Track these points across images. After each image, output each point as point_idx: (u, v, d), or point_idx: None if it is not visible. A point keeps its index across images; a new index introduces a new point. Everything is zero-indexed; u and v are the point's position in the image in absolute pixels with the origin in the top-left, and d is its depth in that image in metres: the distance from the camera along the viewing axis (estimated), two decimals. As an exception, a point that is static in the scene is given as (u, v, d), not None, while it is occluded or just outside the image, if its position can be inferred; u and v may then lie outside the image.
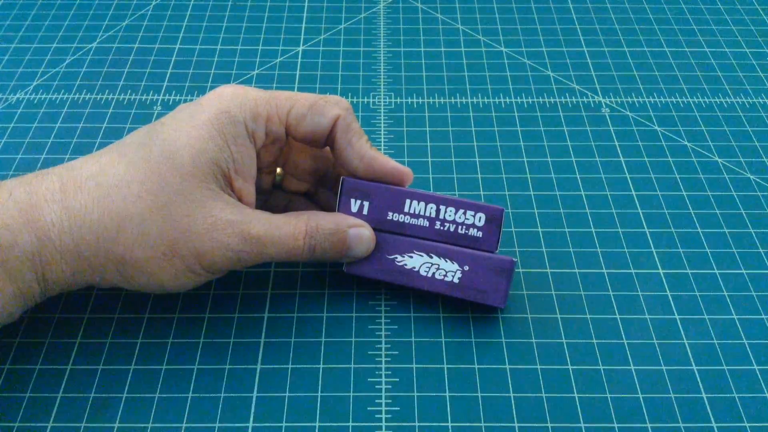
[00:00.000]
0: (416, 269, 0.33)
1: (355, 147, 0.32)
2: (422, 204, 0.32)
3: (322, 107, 0.31)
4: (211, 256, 0.30)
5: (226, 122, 0.30)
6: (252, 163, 0.31)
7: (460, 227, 0.32)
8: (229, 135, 0.30)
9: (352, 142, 0.32)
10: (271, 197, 0.36)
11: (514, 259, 0.32)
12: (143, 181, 0.29)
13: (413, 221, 0.32)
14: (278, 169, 0.35)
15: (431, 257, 0.32)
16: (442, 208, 0.32)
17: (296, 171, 0.35)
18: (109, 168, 0.29)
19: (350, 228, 0.32)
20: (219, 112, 0.30)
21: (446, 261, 0.32)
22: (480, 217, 0.32)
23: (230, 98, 0.30)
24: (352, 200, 0.33)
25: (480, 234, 0.32)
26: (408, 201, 0.32)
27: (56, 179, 0.29)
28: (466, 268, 0.32)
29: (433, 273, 0.33)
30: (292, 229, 0.31)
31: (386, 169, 0.32)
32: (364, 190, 0.33)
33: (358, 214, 0.33)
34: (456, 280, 0.32)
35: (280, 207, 0.36)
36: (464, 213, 0.32)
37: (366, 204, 0.33)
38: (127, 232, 0.29)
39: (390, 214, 0.33)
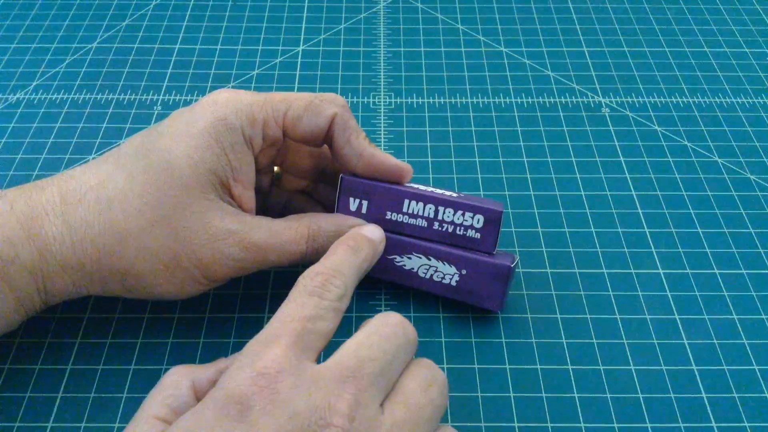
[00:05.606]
0: (414, 270, 0.33)
1: (353, 144, 0.31)
2: (421, 204, 0.32)
3: (318, 106, 0.31)
4: (213, 267, 0.29)
5: (222, 130, 0.29)
6: (250, 169, 0.30)
7: (458, 228, 0.32)
8: (227, 143, 0.29)
9: (350, 140, 0.31)
10: (270, 196, 0.36)
11: (511, 265, 0.32)
12: (142, 194, 0.29)
13: (412, 221, 0.32)
14: (276, 168, 0.35)
15: (429, 259, 0.32)
16: (441, 208, 0.32)
17: (294, 170, 0.35)
18: (108, 180, 0.29)
19: (351, 228, 0.32)
20: (215, 119, 0.29)
21: (444, 264, 0.32)
22: (478, 219, 0.32)
23: (225, 104, 0.30)
24: (351, 199, 0.33)
25: (478, 235, 0.32)
26: (407, 201, 0.32)
27: (56, 191, 0.29)
28: (464, 272, 0.32)
29: (431, 275, 0.33)
30: (294, 235, 0.31)
31: (385, 166, 0.32)
32: (363, 188, 0.32)
33: (357, 213, 0.33)
34: (453, 283, 0.32)
35: (279, 205, 0.36)
36: (463, 214, 0.32)
37: (365, 203, 0.33)
38: (129, 246, 0.29)
39: (389, 213, 0.33)
